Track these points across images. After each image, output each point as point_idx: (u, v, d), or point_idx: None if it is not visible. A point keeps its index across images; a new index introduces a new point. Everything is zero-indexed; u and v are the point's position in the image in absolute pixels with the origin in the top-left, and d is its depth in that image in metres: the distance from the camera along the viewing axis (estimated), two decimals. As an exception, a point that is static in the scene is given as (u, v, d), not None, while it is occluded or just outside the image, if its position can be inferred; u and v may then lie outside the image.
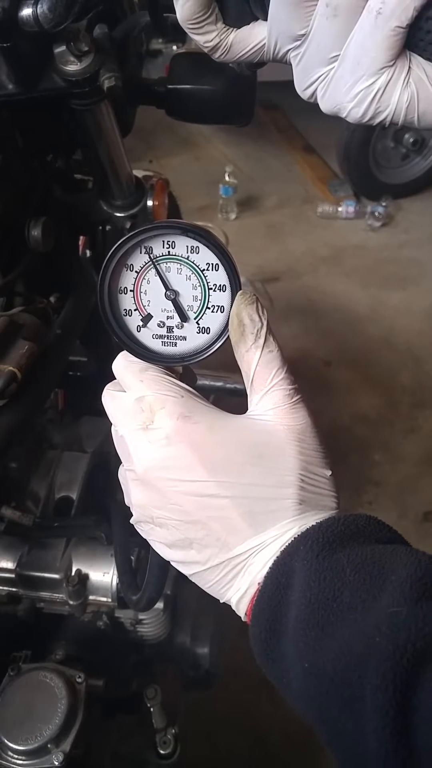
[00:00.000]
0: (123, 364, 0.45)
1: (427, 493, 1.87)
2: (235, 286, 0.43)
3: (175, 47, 2.28)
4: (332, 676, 0.31)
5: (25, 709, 0.75)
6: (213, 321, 0.44)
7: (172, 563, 0.42)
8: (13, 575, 0.88)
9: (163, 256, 0.43)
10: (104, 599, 0.89)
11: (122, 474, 0.44)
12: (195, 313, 0.44)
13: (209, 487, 0.38)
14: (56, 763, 0.71)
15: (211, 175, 3.00)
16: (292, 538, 0.37)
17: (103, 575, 0.87)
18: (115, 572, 0.85)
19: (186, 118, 0.85)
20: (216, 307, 0.44)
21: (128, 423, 0.42)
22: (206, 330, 0.45)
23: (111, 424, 0.45)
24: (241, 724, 1.37)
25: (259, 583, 0.37)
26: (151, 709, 0.91)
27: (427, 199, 3.05)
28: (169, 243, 0.43)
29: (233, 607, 0.40)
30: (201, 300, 0.44)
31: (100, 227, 0.98)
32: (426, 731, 0.27)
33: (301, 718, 0.35)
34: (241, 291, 0.42)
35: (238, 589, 0.38)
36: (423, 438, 2.03)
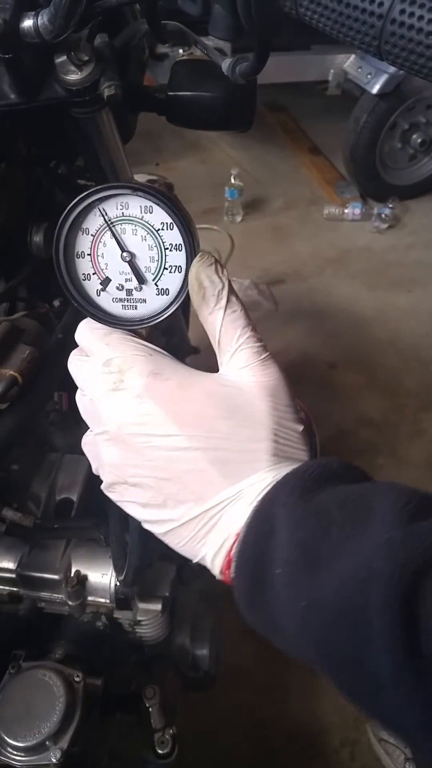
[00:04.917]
0: (87, 329, 0.44)
1: None
2: (190, 244, 0.42)
3: (181, 51, 2.29)
4: (336, 606, 0.31)
5: (25, 706, 0.76)
6: (171, 281, 0.44)
7: (144, 524, 0.42)
8: (14, 575, 0.89)
9: (117, 218, 0.43)
10: (103, 600, 0.89)
11: (90, 440, 0.43)
12: (153, 274, 0.44)
13: (181, 440, 0.38)
14: (54, 760, 0.73)
15: (217, 178, 3.00)
16: (269, 487, 0.36)
17: (102, 576, 0.88)
18: (114, 574, 0.86)
19: (187, 125, 0.85)
20: (173, 267, 0.44)
21: (97, 386, 0.41)
22: (165, 291, 0.44)
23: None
24: (242, 725, 1.38)
25: (237, 534, 0.36)
26: (150, 709, 0.92)
27: (435, 200, 3.05)
28: (123, 204, 0.43)
29: (208, 565, 0.39)
30: (158, 261, 0.44)
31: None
32: None
33: (300, 660, 0.34)
34: (199, 253, 0.42)
35: (213, 543, 0.38)
36: (428, 441, 2.03)
